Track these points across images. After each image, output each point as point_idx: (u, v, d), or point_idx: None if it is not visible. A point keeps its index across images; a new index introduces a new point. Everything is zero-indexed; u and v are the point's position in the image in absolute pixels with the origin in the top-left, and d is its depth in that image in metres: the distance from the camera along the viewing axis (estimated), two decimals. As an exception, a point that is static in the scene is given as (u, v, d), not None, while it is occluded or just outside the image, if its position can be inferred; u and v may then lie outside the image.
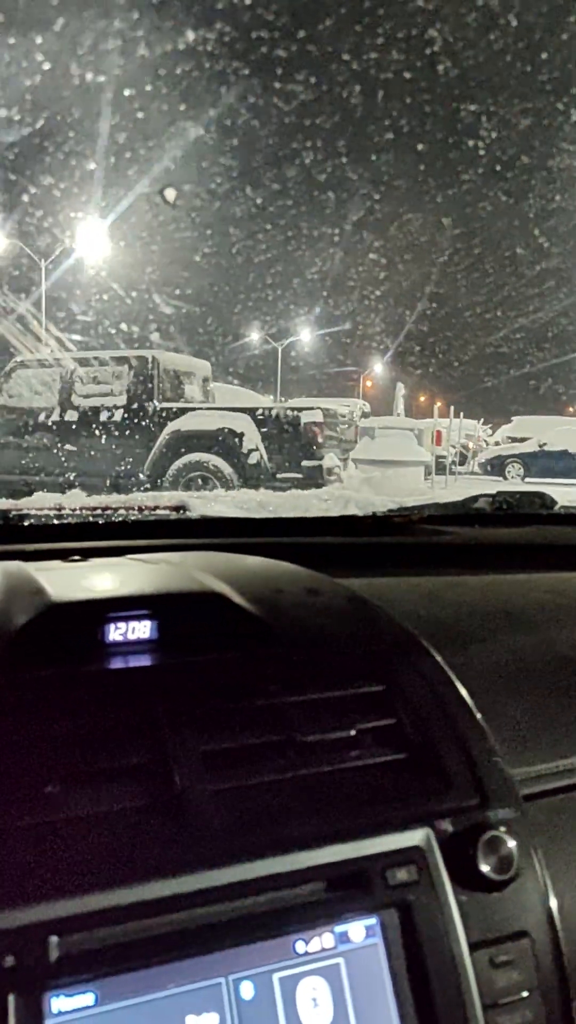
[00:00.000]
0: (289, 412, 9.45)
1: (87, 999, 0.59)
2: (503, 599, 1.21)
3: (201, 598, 0.89)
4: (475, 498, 1.66)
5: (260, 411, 9.43)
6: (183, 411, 9.45)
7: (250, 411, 9.39)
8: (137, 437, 9.34)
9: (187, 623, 0.86)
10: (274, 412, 9.48)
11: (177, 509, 1.63)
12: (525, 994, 0.70)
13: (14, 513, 1.35)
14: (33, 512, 1.39)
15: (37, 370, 9.79)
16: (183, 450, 9.13)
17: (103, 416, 9.41)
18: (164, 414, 9.36)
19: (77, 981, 0.59)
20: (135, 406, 9.41)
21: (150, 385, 9.48)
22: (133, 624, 0.83)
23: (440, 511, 1.67)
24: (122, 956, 0.61)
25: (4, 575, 0.93)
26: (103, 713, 0.73)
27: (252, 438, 9.09)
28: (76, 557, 1.08)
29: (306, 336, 34.93)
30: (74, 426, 9.40)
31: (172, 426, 9.23)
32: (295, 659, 0.85)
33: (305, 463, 9.04)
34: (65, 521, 1.37)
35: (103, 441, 9.34)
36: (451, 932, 0.69)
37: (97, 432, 9.37)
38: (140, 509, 1.60)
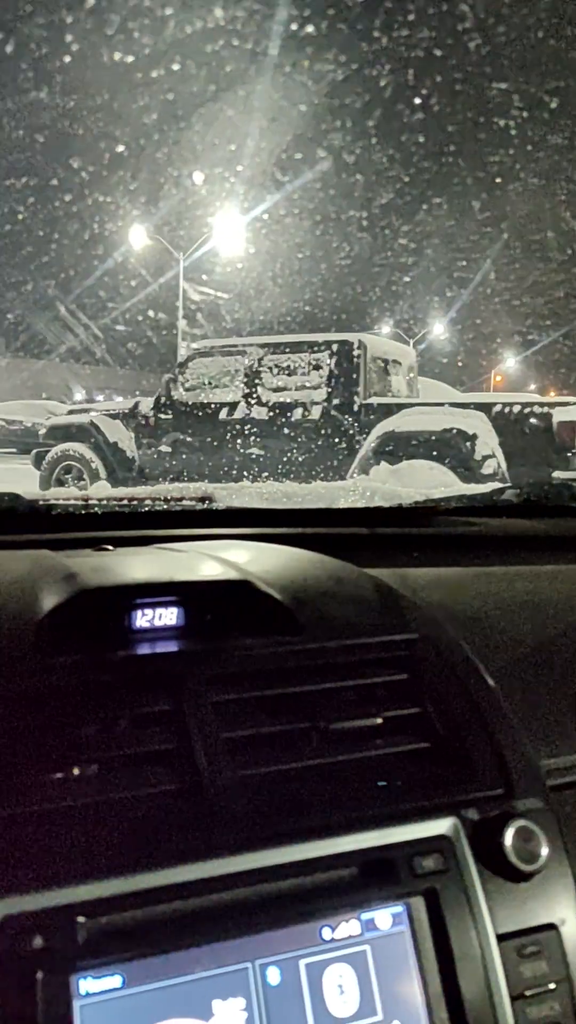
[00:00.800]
0: (537, 409, 7.47)
1: (114, 981, 0.60)
2: (530, 590, 1.21)
3: (227, 585, 0.89)
4: (502, 489, 1.68)
5: (499, 407, 7.46)
6: (395, 407, 7.67)
7: (485, 407, 7.47)
8: (338, 439, 7.64)
9: (213, 610, 0.86)
10: (516, 408, 7.51)
11: (203, 500, 1.59)
12: (552, 986, 0.70)
13: (42, 502, 1.39)
14: (61, 502, 1.43)
15: (218, 358, 8.22)
16: (398, 455, 7.28)
17: (296, 413, 7.77)
18: (371, 411, 7.61)
19: (104, 963, 0.59)
20: (337, 401, 7.71)
21: (355, 376, 7.75)
22: (160, 610, 0.84)
23: (467, 502, 1.65)
24: (149, 939, 0.61)
25: (32, 562, 0.96)
26: (129, 699, 0.74)
27: (487, 442, 7.19)
28: (104, 546, 1.09)
29: (438, 330, 33.15)
30: (261, 424, 7.80)
31: (384, 426, 7.38)
32: (320, 647, 0.85)
33: (558, 474, 7.07)
34: (93, 511, 1.38)
35: (297, 442, 7.70)
36: (478, 921, 0.69)
37: (289, 431, 7.75)
38: (166, 500, 1.56)
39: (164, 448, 8.16)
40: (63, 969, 0.58)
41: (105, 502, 1.49)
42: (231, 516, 1.46)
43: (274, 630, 0.85)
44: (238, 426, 7.84)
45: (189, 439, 8.08)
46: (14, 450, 13.31)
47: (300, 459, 7.61)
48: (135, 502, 1.52)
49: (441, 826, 0.72)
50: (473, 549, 1.40)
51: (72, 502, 1.49)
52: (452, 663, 0.88)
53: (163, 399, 8.20)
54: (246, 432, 7.81)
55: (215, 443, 7.92)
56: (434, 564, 1.27)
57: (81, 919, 0.59)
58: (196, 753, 0.71)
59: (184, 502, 1.57)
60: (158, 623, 0.83)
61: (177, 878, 0.63)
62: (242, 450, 7.79)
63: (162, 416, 8.22)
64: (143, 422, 8.24)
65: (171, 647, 0.82)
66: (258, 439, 7.79)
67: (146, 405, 8.32)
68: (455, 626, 0.95)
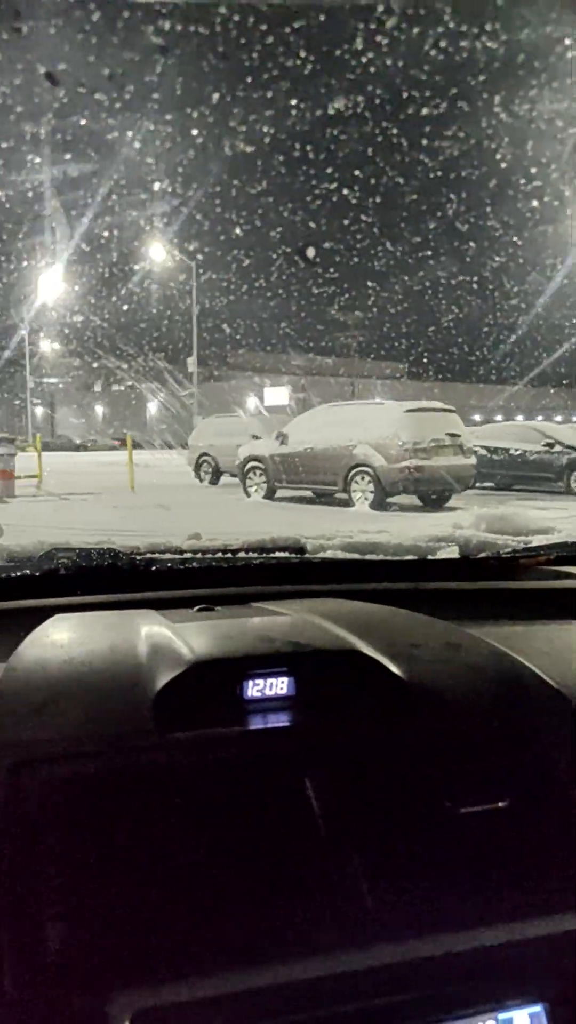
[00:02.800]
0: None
1: None
2: None
3: (337, 655, 0.87)
4: None
5: None
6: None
7: None
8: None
9: (324, 680, 0.84)
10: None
11: (294, 549, 1.60)
12: None
13: (140, 558, 1.37)
14: (158, 556, 1.41)
15: None
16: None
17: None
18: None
19: None
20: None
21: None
22: (271, 680, 0.82)
23: (569, 551, 1.56)
24: None
25: (139, 629, 0.95)
26: (247, 779, 0.72)
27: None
28: (207, 606, 1.09)
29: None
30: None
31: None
32: (439, 722, 0.82)
33: None
34: (191, 565, 1.38)
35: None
36: None
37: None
38: (260, 550, 1.57)
39: None
40: None
41: (201, 555, 1.49)
42: (324, 569, 1.46)
43: (387, 702, 0.84)
44: None
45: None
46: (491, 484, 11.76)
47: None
48: (229, 554, 1.50)
49: None
50: None
51: (169, 556, 1.46)
52: None
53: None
54: None
55: None
56: (540, 616, 1.25)
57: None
58: (320, 838, 0.69)
59: (277, 554, 1.55)
60: (269, 693, 0.83)
61: (302, 975, 0.61)
62: None
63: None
64: None
65: (284, 720, 0.81)
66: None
67: None
68: (572, 693, 0.90)
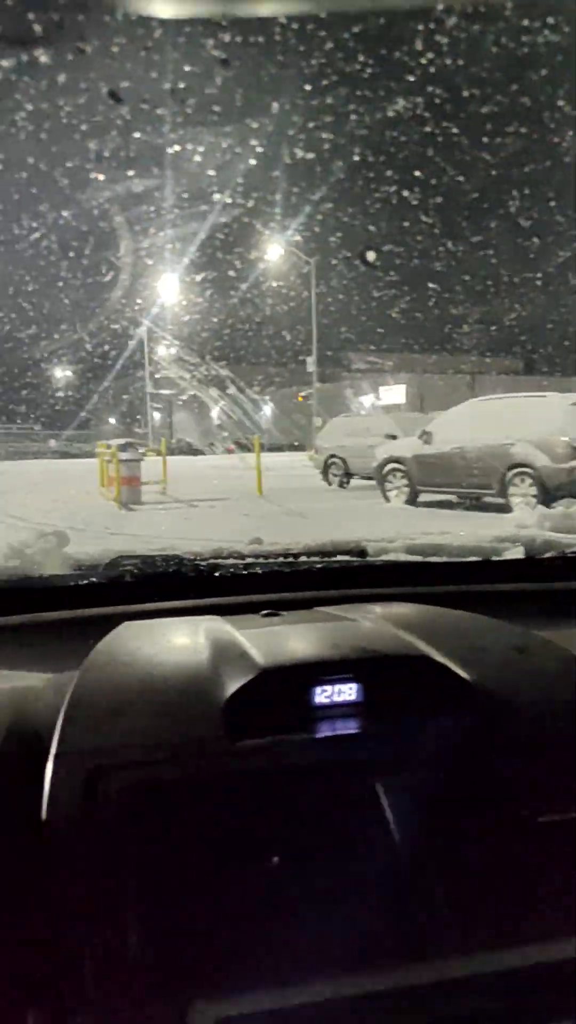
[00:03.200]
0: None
1: None
2: None
3: (405, 660, 0.87)
4: None
5: None
6: None
7: None
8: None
9: (392, 686, 0.84)
10: None
11: (355, 552, 1.57)
12: None
13: (204, 564, 1.38)
14: (221, 562, 1.40)
15: None
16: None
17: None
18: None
19: None
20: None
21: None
22: (339, 686, 0.82)
23: None
24: None
25: (207, 636, 0.95)
26: (319, 784, 0.73)
27: None
28: (271, 611, 1.10)
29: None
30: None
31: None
32: (510, 727, 0.81)
33: None
34: (253, 571, 1.38)
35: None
36: None
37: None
38: (322, 553, 1.55)
39: None
40: None
41: (263, 560, 1.48)
42: (387, 572, 1.45)
43: (456, 707, 0.83)
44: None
45: None
46: None
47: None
48: (290, 558, 1.50)
49: None
50: None
51: (232, 561, 1.45)
52: None
53: None
54: None
55: None
56: None
57: None
58: (394, 842, 0.69)
59: (339, 557, 1.53)
60: (337, 699, 0.83)
61: (386, 984, 0.62)
62: None
63: None
64: None
65: (352, 727, 0.80)
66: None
67: None
68: None
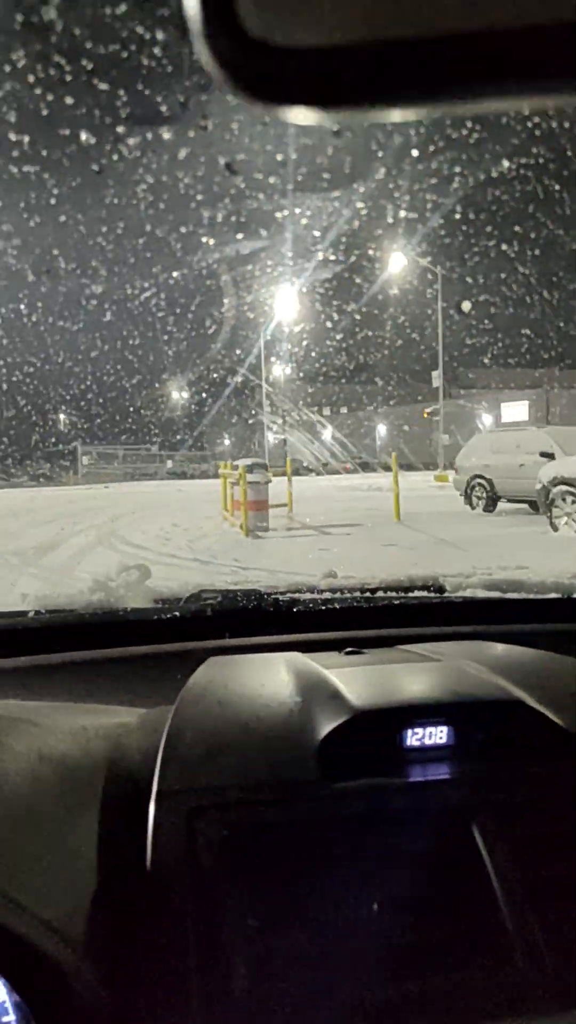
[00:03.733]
0: None
1: None
2: None
3: (497, 705, 0.86)
4: None
5: None
6: None
7: None
8: None
9: (484, 730, 0.84)
10: None
11: (434, 588, 1.56)
12: None
13: (283, 599, 1.38)
14: (300, 596, 1.41)
15: None
16: None
17: None
18: None
19: None
20: None
21: None
22: (430, 729, 0.82)
23: None
24: None
25: (295, 673, 0.95)
26: (412, 830, 0.72)
27: None
28: (354, 649, 1.11)
29: None
30: None
31: None
32: None
33: None
34: (332, 607, 1.37)
35: None
36: None
37: None
38: (398, 588, 1.52)
39: None
40: None
41: (341, 595, 1.44)
42: (465, 609, 1.43)
43: (549, 752, 0.81)
44: None
45: None
46: None
47: None
48: (367, 593, 1.46)
49: None
50: None
51: (310, 596, 1.41)
52: None
53: None
54: None
55: None
56: None
57: None
58: (495, 896, 0.68)
59: (417, 592, 1.50)
60: (428, 742, 0.82)
61: None
62: None
63: None
64: None
65: (444, 771, 0.79)
66: None
67: None
68: None
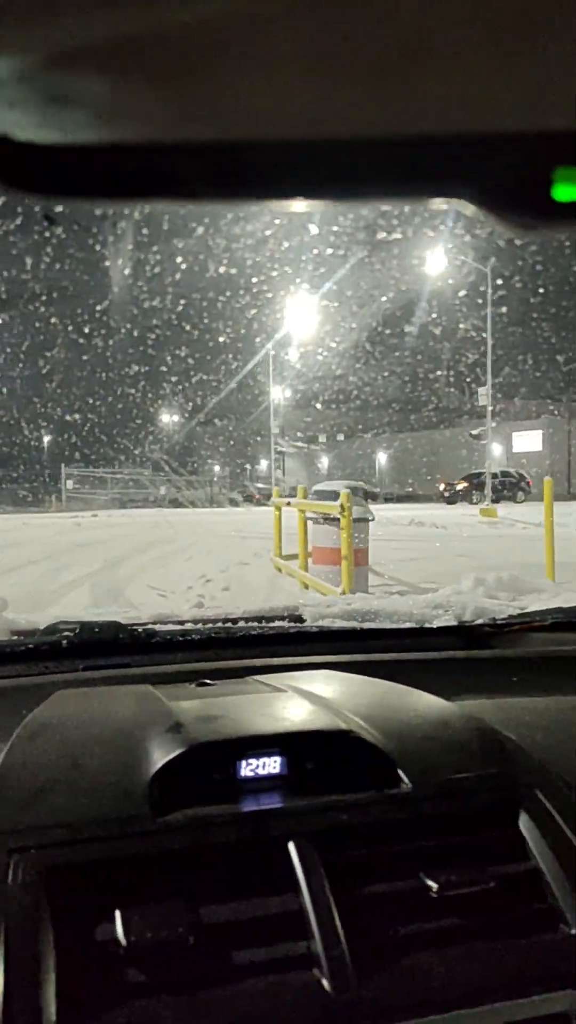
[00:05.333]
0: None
1: None
2: None
3: (329, 736, 0.88)
4: None
5: None
6: None
7: None
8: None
9: (316, 760, 0.86)
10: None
11: (292, 618, 1.57)
12: None
13: (142, 630, 1.36)
14: (159, 628, 1.40)
15: None
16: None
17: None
18: None
19: None
20: None
21: None
22: (264, 759, 0.84)
23: (564, 616, 1.52)
24: None
25: (139, 707, 0.96)
26: (238, 860, 0.74)
27: None
28: (205, 681, 1.12)
29: None
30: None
31: None
32: (426, 801, 0.83)
33: None
34: (190, 638, 1.37)
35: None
36: None
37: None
38: (259, 619, 1.54)
39: None
40: None
41: (202, 626, 1.44)
42: (321, 638, 1.44)
43: (376, 779, 0.85)
44: None
45: None
46: None
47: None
48: (228, 624, 1.47)
49: (561, 1002, 0.70)
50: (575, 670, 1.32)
51: (170, 627, 1.40)
52: (565, 815, 0.84)
53: None
54: None
55: None
56: (536, 686, 1.23)
57: None
58: (310, 920, 0.70)
59: (276, 623, 1.51)
60: (262, 772, 0.84)
61: None
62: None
63: None
64: None
65: (277, 801, 0.81)
66: None
67: None
68: (564, 770, 0.92)
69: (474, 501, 25.83)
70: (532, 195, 0.34)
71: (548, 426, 37.44)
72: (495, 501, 23.77)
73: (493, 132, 0.32)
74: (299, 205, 0.35)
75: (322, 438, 48.80)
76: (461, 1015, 0.66)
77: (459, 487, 28.63)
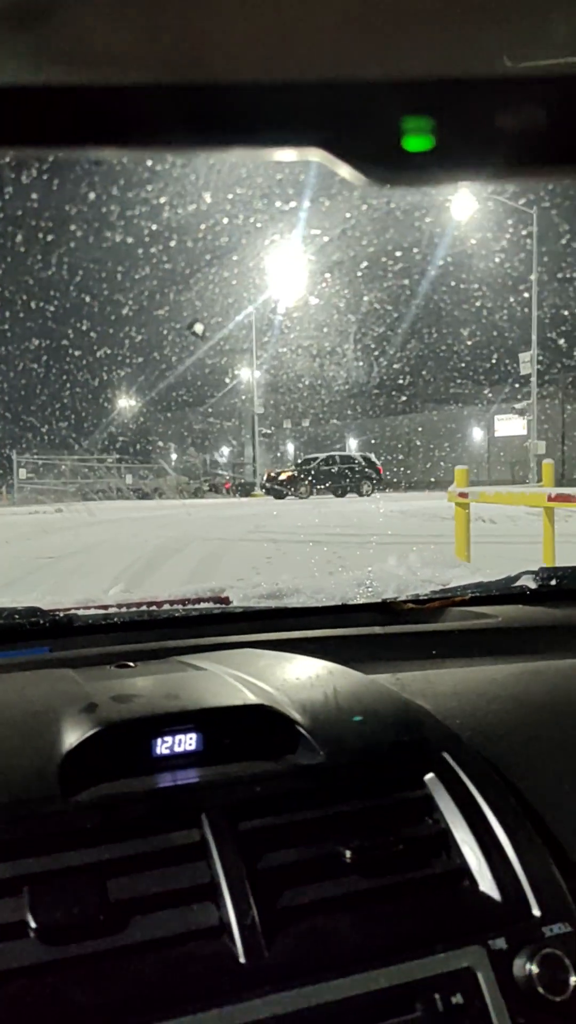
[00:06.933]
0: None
1: None
2: (551, 687, 1.17)
3: (245, 711, 0.90)
4: (519, 576, 1.61)
5: None
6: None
7: None
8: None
9: (231, 735, 0.88)
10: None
11: (216, 600, 1.60)
12: None
13: (62, 615, 1.35)
14: (80, 612, 1.39)
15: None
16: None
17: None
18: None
19: None
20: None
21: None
22: (180, 737, 0.86)
23: (482, 591, 1.60)
24: None
25: (53, 689, 0.96)
26: (151, 835, 0.75)
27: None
28: (125, 663, 1.11)
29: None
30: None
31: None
32: (339, 770, 0.85)
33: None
34: (113, 620, 1.35)
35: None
36: None
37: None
38: (184, 602, 1.55)
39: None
40: None
41: (125, 609, 1.42)
42: (246, 618, 1.45)
43: (291, 752, 0.87)
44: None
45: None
46: None
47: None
48: (153, 607, 1.45)
49: (465, 957, 0.71)
50: (491, 643, 1.37)
51: (93, 612, 1.39)
52: (474, 778, 0.86)
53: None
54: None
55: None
56: (453, 658, 1.28)
57: None
58: (222, 890, 0.72)
59: (201, 605, 1.53)
60: (178, 749, 0.85)
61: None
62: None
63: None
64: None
65: (192, 776, 0.83)
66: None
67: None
68: (477, 734, 0.95)
69: (302, 495, 21.32)
70: (384, 145, 0.35)
71: (533, 410, 35.48)
72: (338, 494, 21.00)
73: (343, 80, 0.33)
74: (154, 152, 0.35)
75: (287, 424, 45.96)
76: (369, 976, 0.68)
77: (283, 477, 22.51)
